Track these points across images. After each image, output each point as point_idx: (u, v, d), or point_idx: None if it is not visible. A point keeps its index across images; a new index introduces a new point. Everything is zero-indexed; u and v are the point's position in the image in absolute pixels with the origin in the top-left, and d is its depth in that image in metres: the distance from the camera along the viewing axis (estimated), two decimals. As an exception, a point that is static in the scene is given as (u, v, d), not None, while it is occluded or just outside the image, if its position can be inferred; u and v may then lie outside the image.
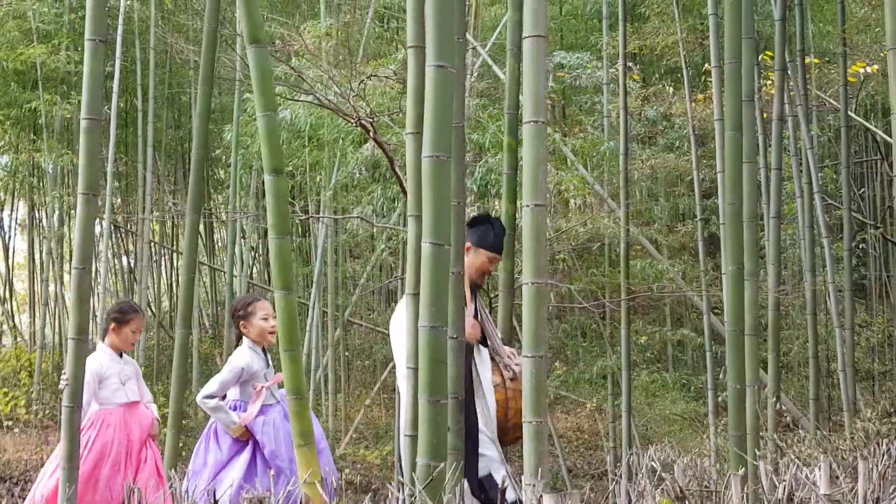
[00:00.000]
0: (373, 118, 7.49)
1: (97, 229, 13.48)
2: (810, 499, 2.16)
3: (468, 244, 5.01)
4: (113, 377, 5.78)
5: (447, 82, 3.82)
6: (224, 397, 5.41)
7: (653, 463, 4.73)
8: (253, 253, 16.32)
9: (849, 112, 9.79)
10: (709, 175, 12.53)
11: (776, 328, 7.93)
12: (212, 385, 5.38)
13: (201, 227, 17.29)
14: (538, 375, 3.83)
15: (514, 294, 6.10)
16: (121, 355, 5.91)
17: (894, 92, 5.16)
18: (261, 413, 5.33)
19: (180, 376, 5.66)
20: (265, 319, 5.47)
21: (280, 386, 5.44)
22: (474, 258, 5.05)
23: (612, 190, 10.85)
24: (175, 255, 17.26)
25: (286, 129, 10.65)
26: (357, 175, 10.85)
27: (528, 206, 3.86)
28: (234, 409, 5.41)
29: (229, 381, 5.38)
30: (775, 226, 7.94)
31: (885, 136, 12.38)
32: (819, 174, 12.16)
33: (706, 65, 13.19)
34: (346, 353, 13.94)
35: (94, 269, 12.36)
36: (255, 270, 17.16)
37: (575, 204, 10.24)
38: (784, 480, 2.22)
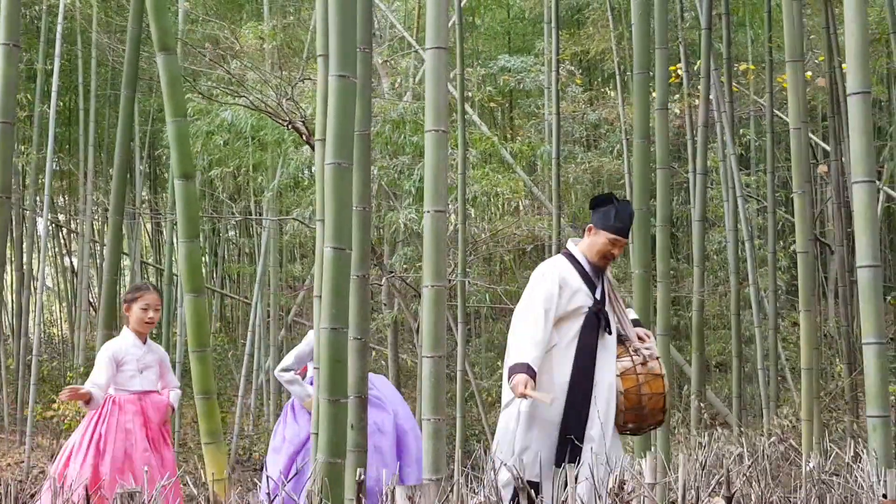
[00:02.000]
0: (304, 120, 7.60)
1: (39, 228, 13.46)
2: (637, 488, 2.32)
3: (590, 225, 4.89)
4: (130, 363, 5.64)
5: (348, 92, 3.95)
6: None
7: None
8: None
9: (783, 117, 10.04)
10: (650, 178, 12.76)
11: (700, 329, 8.16)
12: (288, 358, 5.43)
13: (148, 226, 17.29)
14: (437, 374, 3.97)
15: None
16: (144, 341, 5.73)
17: (793, 102, 5.37)
18: None
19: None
20: None
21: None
22: (594, 240, 4.82)
23: (552, 193, 11.02)
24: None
25: (227, 130, 10.72)
26: (300, 176, 10.94)
27: (428, 211, 4.00)
28: (311, 384, 5.41)
29: (305, 354, 5.39)
30: (699, 229, 8.16)
31: (818, 141, 12.67)
32: (754, 178, 12.47)
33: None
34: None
35: (32, 268, 12.34)
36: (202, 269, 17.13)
37: (510, 206, 10.37)
38: (614, 470, 2.38)
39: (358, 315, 4.21)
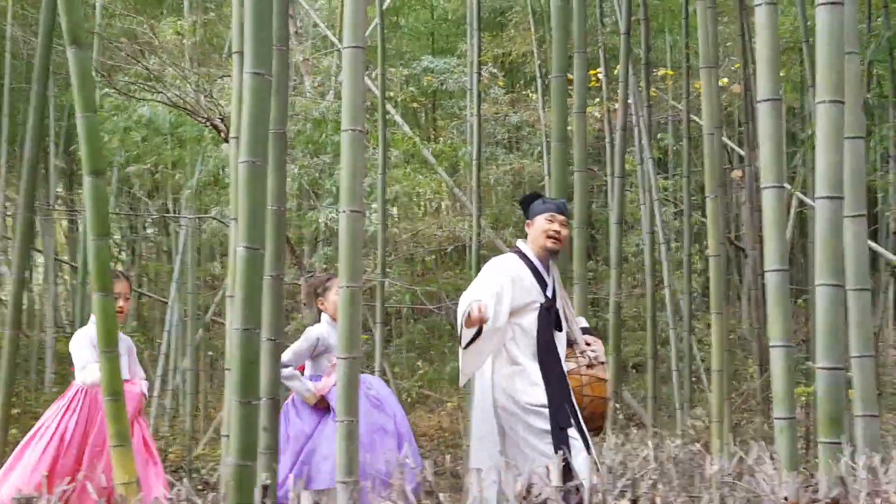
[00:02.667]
0: (223, 118, 7.50)
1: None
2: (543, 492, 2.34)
3: (527, 222, 5.05)
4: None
5: (263, 89, 3.91)
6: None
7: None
8: (115, 250, 16.04)
9: (700, 122, 10.19)
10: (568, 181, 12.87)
11: (617, 330, 8.23)
12: (286, 354, 5.28)
13: (66, 223, 16.91)
14: (352, 376, 3.95)
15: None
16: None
17: (706, 107, 5.46)
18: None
19: (8, 378, 5.59)
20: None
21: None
22: (533, 230, 5.00)
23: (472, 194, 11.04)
24: (33, 252, 16.81)
25: (145, 127, 10.54)
26: (220, 173, 10.80)
27: (344, 211, 3.98)
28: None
29: (303, 350, 5.33)
30: (617, 231, 8.25)
31: (734, 146, 12.90)
32: (671, 181, 12.65)
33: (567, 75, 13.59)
34: (210, 354, 13.83)
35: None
36: (118, 268, 16.82)
37: (432, 207, 10.39)
38: (521, 475, 2.39)
39: (272, 315, 4.16)
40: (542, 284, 4.94)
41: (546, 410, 4.72)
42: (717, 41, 5.82)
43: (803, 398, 9.20)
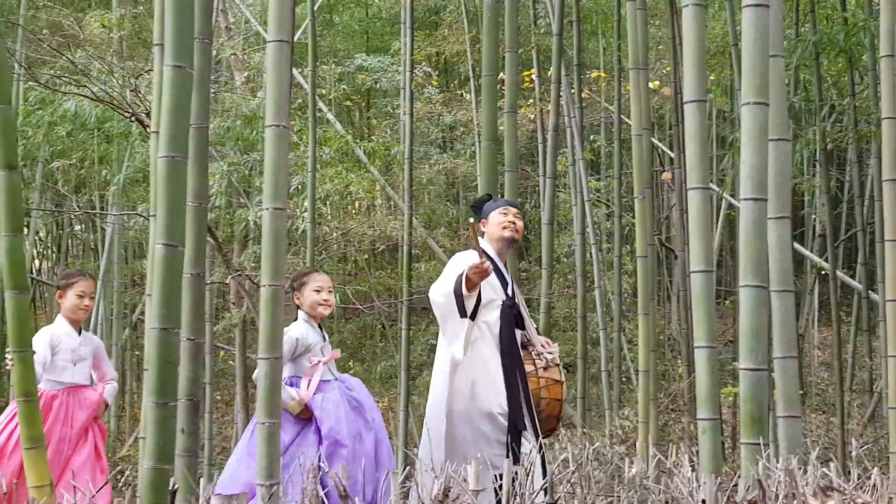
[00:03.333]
0: (149, 113, 7.34)
1: None
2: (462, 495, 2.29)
3: (482, 222, 5.04)
4: (64, 353, 5.30)
5: (183, 83, 3.82)
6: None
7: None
8: (40, 247, 15.69)
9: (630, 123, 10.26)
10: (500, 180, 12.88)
11: (548, 330, 8.22)
12: None
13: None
14: (273, 376, 3.86)
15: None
16: (79, 331, 5.42)
17: (635, 108, 5.47)
18: (318, 390, 4.90)
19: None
20: (317, 291, 5.05)
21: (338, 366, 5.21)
22: (489, 226, 5.01)
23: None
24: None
25: (71, 121, 10.31)
26: (147, 169, 10.61)
27: (267, 208, 3.90)
28: (290, 385, 4.95)
29: (284, 353, 4.76)
30: (548, 232, 8.25)
31: (665, 149, 13.01)
32: (603, 183, 12.73)
33: (500, 74, 13.59)
34: (137, 353, 13.59)
35: None
36: (44, 265, 16.48)
37: (364, 206, 10.31)
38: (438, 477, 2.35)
39: (192, 315, 4.07)
40: (503, 282, 4.94)
41: (502, 418, 4.68)
42: (646, 43, 5.84)
43: (730, 398, 9.31)
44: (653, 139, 13.24)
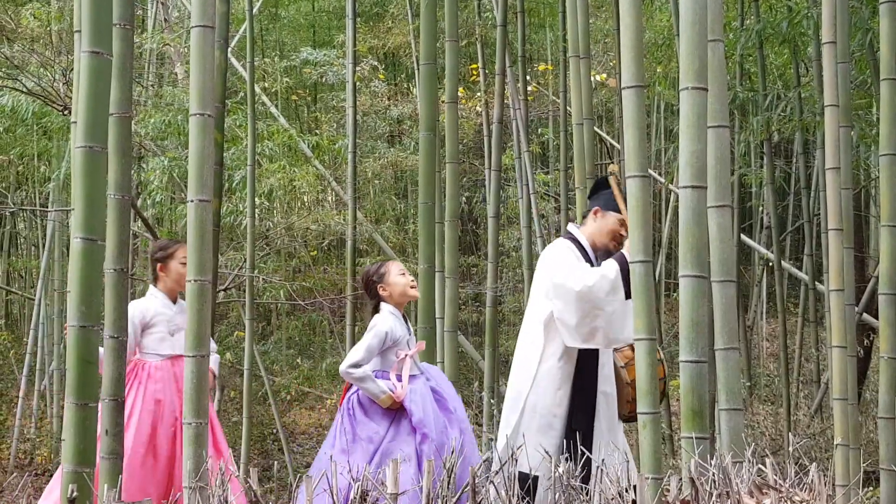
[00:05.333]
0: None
1: None
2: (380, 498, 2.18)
3: (596, 208, 4.80)
4: (160, 325, 5.17)
5: (101, 70, 3.66)
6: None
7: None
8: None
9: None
10: (462, 175, 12.76)
11: (493, 324, 8.15)
12: (357, 352, 4.79)
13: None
14: (200, 375, 3.72)
15: (216, 288, 5.97)
16: (175, 301, 5.24)
17: (575, 98, 5.37)
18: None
19: None
20: (402, 275, 4.99)
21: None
22: (602, 223, 4.78)
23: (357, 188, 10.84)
24: None
25: (8, 117, 10.09)
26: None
27: (192, 201, 3.75)
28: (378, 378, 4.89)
29: (375, 347, 4.83)
30: (493, 225, 8.16)
31: (613, 142, 12.99)
32: (551, 176, 12.67)
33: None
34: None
35: None
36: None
37: (309, 200, 10.16)
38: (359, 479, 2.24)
39: (115, 312, 3.90)
40: None
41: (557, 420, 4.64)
42: (587, 31, 5.74)
43: (678, 391, 9.28)
44: (600, 131, 13.24)
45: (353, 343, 8.73)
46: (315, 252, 12.67)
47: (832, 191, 5.11)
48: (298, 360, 13.26)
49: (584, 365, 4.68)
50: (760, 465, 2.54)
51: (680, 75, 3.74)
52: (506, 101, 8.93)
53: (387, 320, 4.91)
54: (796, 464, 2.99)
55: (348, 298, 8.34)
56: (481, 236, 13.84)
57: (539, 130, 13.15)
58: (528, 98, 12.04)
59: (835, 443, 5.00)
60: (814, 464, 2.33)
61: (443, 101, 6.43)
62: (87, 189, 3.61)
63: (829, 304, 5.12)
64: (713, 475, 2.24)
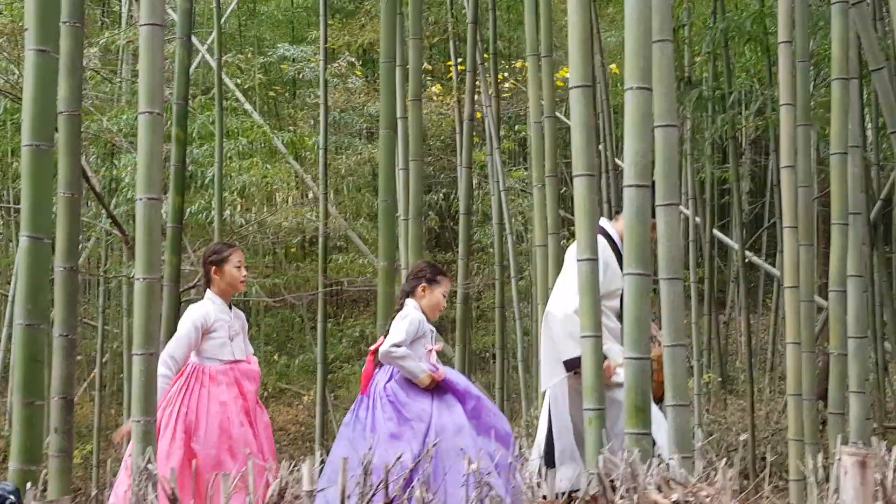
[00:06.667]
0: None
1: None
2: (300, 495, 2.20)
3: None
4: (221, 330, 5.10)
5: (48, 67, 3.67)
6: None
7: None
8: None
9: (557, 114, 10.22)
10: (426, 171, 12.82)
11: (464, 321, 8.20)
12: (399, 334, 4.88)
13: None
14: (149, 373, 3.74)
15: (178, 287, 5.99)
16: (230, 307, 5.21)
17: (534, 97, 5.39)
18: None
19: None
20: (444, 296, 5.14)
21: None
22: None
23: (332, 185, 10.84)
24: None
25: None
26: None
27: (140, 199, 3.77)
28: None
29: (412, 332, 4.93)
30: (465, 222, 8.20)
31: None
32: (528, 173, 12.68)
33: (424, 64, 13.47)
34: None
35: None
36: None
37: (284, 197, 10.15)
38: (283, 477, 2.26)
39: (65, 310, 3.91)
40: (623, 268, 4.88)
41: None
42: (550, 31, 5.75)
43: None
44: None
45: (325, 339, 8.80)
46: (294, 249, 12.67)
47: (787, 189, 5.15)
48: (275, 357, 13.27)
49: None
50: (669, 461, 2.57)
51: (625, 76, 3.76)
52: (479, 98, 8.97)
53: (418, 313, 5.02)
54: (762, 459, 3.03)
55: (319, 295, 8.36)
56: (456, 233, 13.85)
57: (517, 127, 13.18)
58: (507, 95, 12.08)
59: (789, 437, 5.05)
60: (723, 460, 2.35)
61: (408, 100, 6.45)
62: (34, 187, 3.62)
63: (784, 300, 5.16)
64: (622, 472, 2.27)
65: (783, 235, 5.22)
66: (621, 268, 4.73)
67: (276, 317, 13.26)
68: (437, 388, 4.89)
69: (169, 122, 6.53)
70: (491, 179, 9.11)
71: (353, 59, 12.70)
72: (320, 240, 8.63)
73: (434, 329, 5.13)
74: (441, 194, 13.69)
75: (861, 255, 5.09)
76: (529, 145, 13.45)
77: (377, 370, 5.00)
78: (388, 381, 4.93)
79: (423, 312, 5.05)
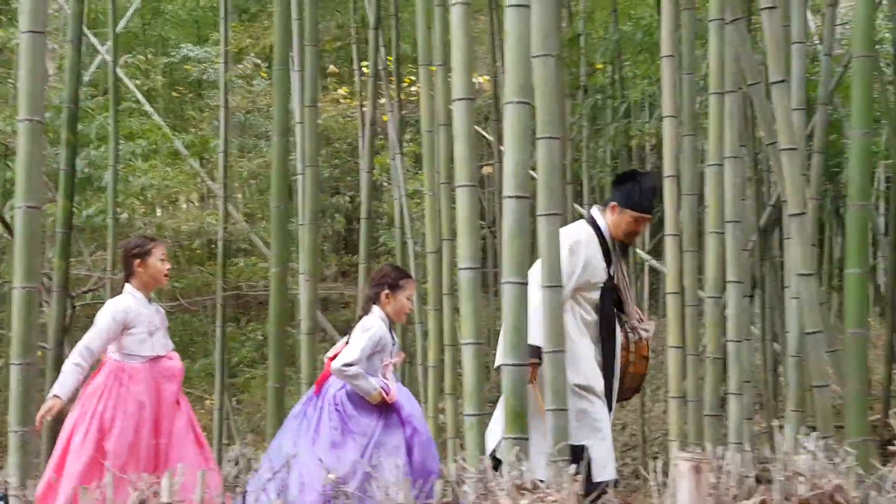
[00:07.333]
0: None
1: None
2: None
3: (613, 203, 4.89)
4: (141, 325, 4.86)
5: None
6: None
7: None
8: None
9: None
10: (333, 174, 12.83)
11: (363, 325, 8.23)
12: (353, 353, 4.75)
13: None
14: (26, 383, 3.72)
15: (68, 292, 5.92)
16: (150, 300, 4.99)
17: (426, 106, 5.46)
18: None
19: None
20: (409, 300, 4.99)
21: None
22: (619, 218, 4.88)
23: (236, 188, 10.79)
24: None
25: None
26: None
27: (20, 207, 3.74)
28: None
29: (368, 349, 4.80)
30: (366, 226, 8.27)
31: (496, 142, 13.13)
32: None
33: (331, 67, 13.48)
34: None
35: None
36: None
37: (183, 199, 10.07)
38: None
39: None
40: (608, 261, 4.91)
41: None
42: (445, 38, 5.82)
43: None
44: (484, 131, 13.38)
45: (224, 343, 8.74)
46: (200, 251, 12.55)
47: (670, 198, 5.31)
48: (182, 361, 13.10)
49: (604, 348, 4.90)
50: (523, 468, 2.65)
51: (505, 90, 3.85)
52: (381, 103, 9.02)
53: (381, 326, 4.93)
54: (654, 458, 3.13)
55: (218, 298, 8.31)
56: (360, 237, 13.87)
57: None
58: (415, 99, 12.11)
59: (669, 439, 5.20)
60: (574, 466, 2.45)
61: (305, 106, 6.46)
62: None
63: (666, 305, 5.32)
64: (475, 478, 2.34)
65: (666, 243, 5.37)
66: (609, 261, 4.89)
67: (177, 321, 13.11)
68: (386, 405, 4.87)
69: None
70: (394, 184, 9.17)
71: (258, 61, 12.65)
72: (219, 243, 8.59)
73: (396, 340, 5.07)
74: (348, 197, 13.71)
75: (741, 262, 5.28)
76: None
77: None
78: (340, 389, 4.92)
79: (389, 317, 4.98)
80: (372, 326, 4.89)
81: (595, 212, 5.07)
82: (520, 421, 3.76)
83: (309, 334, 6.00)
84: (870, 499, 2.53)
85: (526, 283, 3.84)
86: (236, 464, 4.81)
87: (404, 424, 4.85)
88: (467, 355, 3.97)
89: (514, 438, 3.71)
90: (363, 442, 4.82)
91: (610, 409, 4.91)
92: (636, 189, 4.91)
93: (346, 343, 4.90)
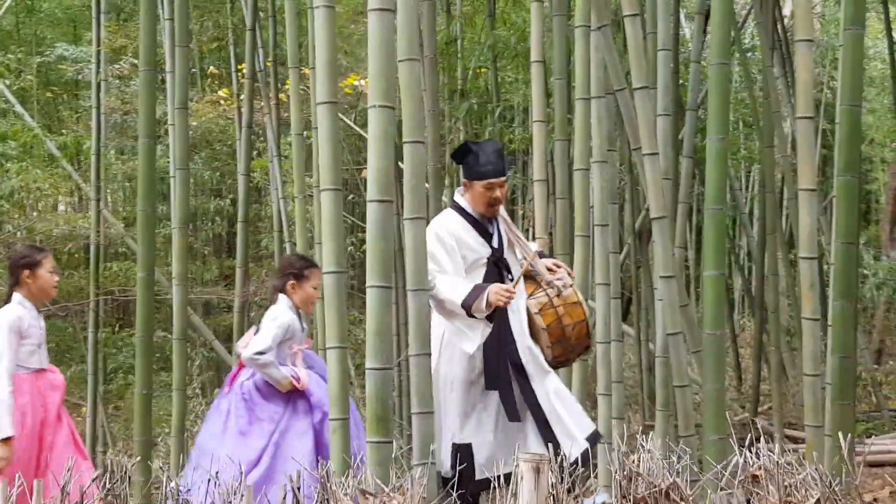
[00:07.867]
0: None
1: None
2: None
3: (464, 180, 4.71)
4: (33, 337, 4.72)
5: None
6: None
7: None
8: None
9: (350, 122, 10.30)
10: (213, 176, 12.66)
11: (241, 329, 8.14)
12: (265, 341, 4.85)
13: None
14: None
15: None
16: (38, 311, 4.78)
17: (295, 110, 5.43)
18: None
19: None
20: (315, 289, 5.04)
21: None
22: (472, 193, 4.68)
23: (112, 190, 10.54)
24: None
25: None
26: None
27: None
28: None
29: (279, 336, 4.90)
30: (242, 229, 8.20)
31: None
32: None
33: (210, 68, 13.30)
34: None
35: None
36: None
37: (52, 203, 9.80)
38: None
39: None
40: (486, 235, 4.71)
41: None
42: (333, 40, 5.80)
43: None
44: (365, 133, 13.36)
45: (97, 349, 8.54)
46: (76, 254, 12.21)
47: (539, 201, 5.40)
48: (60, 368, 12.75)
49: (492, 330, 4.64)
50: (366, 473, 2.67)
51: (368, 95, 3.86)
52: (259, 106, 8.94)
53: (288, 313, 5.02)
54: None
55: (89, 305, 8.12)
56: (249, 238, 13.72)
57: (304, 134, 13.16)
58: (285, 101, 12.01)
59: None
60: (413, 469, 2.47)
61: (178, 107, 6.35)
62: None
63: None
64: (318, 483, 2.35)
65: (537, 246, 5.44)
66: (489, 235, 4.68)
67: (51, 326, 12.75)
68: (295, 392, 4.98)
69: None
70: (272, 187, 9.09)
71: (136, 62, 12.39)
72: (92, 247, 8.39)
73: (304, 327, 5.17)
74: (229, 200, 13.54)
75: (608, 264, 5.38)
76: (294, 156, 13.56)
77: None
78: (248, 379, 5.01)
79: (297, 306, 5.08)
80: (280, 315, 5.01)
81: (457, 194, 5.07)
82: (383, 425, 3.77)
83: (180, 339, 5.91)
84: (706, 495, 2.62)
85: (389, 287, 3.86)
86: (106, 471, 4.74)
87: (313, 409, 4.95)
88: (332, 360, 3.97)
89: (378, 442, 3.73)
90: (270, 428, 4.92)
91: (555, 368, 4.80)
92: (474, 159, 4.79)
93: (256, 333, 5.01)
